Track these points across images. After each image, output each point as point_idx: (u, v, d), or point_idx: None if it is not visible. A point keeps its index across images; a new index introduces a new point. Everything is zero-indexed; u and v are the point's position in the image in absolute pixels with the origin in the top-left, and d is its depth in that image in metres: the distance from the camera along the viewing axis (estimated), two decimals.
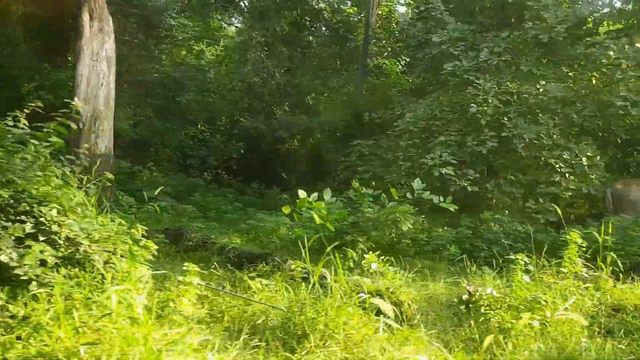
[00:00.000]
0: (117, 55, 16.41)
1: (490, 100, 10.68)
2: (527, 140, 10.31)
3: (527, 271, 5.34)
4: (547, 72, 11.15)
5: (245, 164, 17.60)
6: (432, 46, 12.19)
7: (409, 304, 5.21)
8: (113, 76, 11.19)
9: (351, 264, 5.50)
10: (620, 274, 5.84)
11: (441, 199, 9.01)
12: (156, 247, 4.69)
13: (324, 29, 21.34)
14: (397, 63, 19.44)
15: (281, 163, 18.25)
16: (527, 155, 10.57)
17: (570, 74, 11.61)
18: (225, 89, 19.79)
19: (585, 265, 5.89)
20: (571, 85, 11.27)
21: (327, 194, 8.51)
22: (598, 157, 10.54)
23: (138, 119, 16.91)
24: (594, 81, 10.98)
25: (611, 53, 10.16)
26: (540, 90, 10.92)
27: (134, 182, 13.37)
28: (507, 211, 10.20)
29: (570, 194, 10.29)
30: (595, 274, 5.98)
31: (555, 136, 10.76)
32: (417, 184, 9.28)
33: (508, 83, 11.10)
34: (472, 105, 10.70)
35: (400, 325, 4.54)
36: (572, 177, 10.41)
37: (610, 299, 5.43)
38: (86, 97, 9.97)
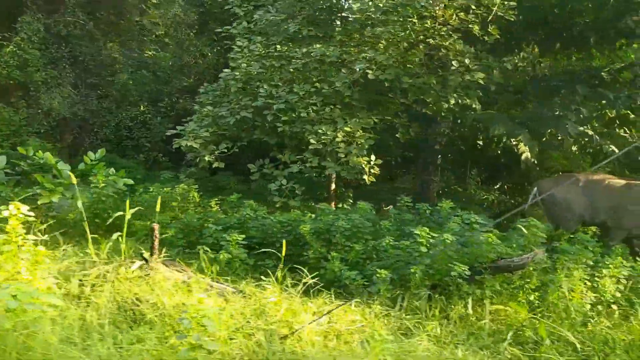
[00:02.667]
0: (59, 35, 15.57)
1: (243, 65, 9.17)
2: (275, 110, 8.74)
3: None
4: (322, 33, 9.42)
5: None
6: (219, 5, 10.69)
7: None
8: None
9: None
10: None
11: (112, 171, 7.90)
12: None
13: None
14: None
15: None
16: (284, 130, 8.96)
17: (369, 39, 9.67)
18: (161, 70, 18.93)
19: None
20: (352, 48, 9.41)
21: None
22: (358, 133, 8.69)
23: (79, 98, 16.58)
24: (381, 44, 9.11)
25: (355, 6, 8.31)
26: (312, 53, 9.19)
27: None
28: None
29: (316, 174, 8.63)
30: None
31: (327, 108, 9.10)
32: (98, 154, 8.15)
33: (278, 46, 9.49)
34: (224, 70, 9.23)
35: None
36: (329, 159, 8.73)
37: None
38: None
